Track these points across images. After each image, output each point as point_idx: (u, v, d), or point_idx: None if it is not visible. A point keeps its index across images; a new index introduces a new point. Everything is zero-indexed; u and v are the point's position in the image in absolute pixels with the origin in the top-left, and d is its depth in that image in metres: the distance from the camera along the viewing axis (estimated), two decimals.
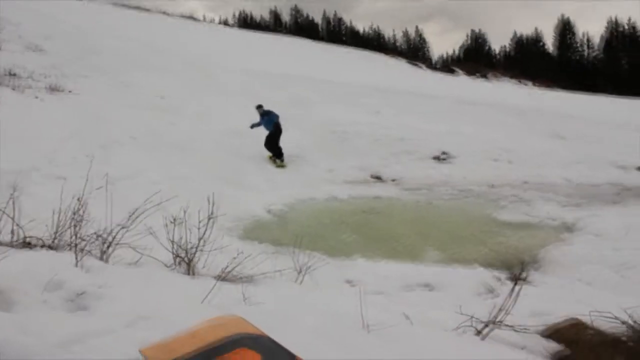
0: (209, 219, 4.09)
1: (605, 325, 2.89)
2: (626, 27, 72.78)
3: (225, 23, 73.46)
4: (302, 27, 76.79)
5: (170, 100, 13.09)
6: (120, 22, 22.57)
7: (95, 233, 3.90)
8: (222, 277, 3.76)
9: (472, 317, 2.98)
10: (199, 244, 4.08)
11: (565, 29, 77.30)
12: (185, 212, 4.10)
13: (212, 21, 68.27)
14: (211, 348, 1.90)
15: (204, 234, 4.09)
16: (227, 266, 3.84)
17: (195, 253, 4.09)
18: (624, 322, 2.65)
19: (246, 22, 78.08)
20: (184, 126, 11.59)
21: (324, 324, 2.58)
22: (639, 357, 2.42)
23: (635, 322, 2.61)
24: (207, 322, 2.12)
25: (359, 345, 2.36)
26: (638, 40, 71.55)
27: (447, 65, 54.17)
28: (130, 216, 4.00)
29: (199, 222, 4.08)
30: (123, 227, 3.90)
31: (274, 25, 79.99)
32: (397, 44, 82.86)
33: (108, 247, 3.93)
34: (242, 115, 12.40)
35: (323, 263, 4.40)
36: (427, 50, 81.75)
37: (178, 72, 16.22)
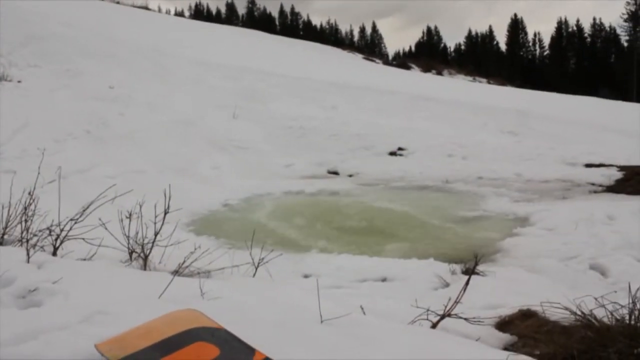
0: (165, 213, 4.04)
1: (556, 315, 2.98)
2: (574, 27, 74.98)
3: (181, 14, 72.52)
4: (258, 20, 76.37)
5: (119, 90, 12.81)
6: (68, 9, 21.92)
7: (47, 228, 3.81)
8: (179, 272, 3.72)
9: (427, 309, 3.03)
10: (155, 239, 4.03)
11: (518, 28, 79.13)
12: (140, 206, 4.04)
13: (167, 12, 67.24)
14: (168, 342, 1.88)
15: (160, 228, 4.03)
16: (184, 261, 3.80)
17: (151, 248, 4.04)
18: (573, 312, 2.74)
19: (202, 14, 77.22)
20: (135, 117, 11.38)
21: (281, 317, 2.59)
22: (588, 344, 2.51)
23: (582, 312, 2.70)
24: (163, 317, 2.10)
25: (315, 336, 2.37)
26: (585, 40, 73.83)
27: (403, 61, 54.67)
28: (83, 210, 3.92)
29: (155, 216, 4.03)
30: (72, 220, 3.81)
31: (230, 17, 79.32)
32: (354, 39, 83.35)
33: (61, 242, 3.84)
34: (194, 106, 12.28)
35: (280, 257, 4.40)
36: (384, 46, 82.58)
37: (129, 62, 15.88)
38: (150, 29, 25.76)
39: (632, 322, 2.52)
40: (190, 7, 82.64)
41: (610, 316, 2.62)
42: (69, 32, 17.31)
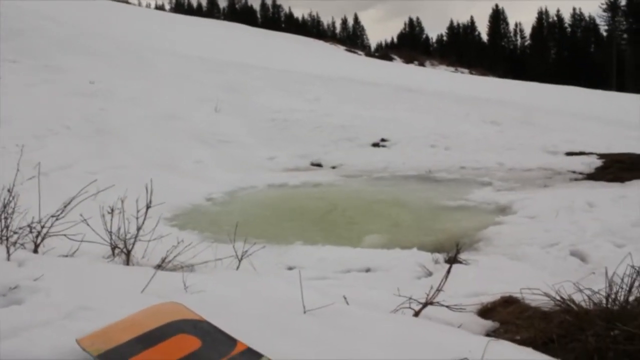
0: (147, 208, 4.03)
1: (537, 301, 3.03)
2: (555, 18, 75.51)
3: (161, 8, 71.95)
4: (240, 13, 75.96)
5: (101, 85, 12.70)
6: (47, 3, 21.62)
7: (28, 225, 3.78)
8: (162, 267, 3.71)
9: (410, 298, 3.06)
10: (137, 234, 4.01)
11: (499, 19, 79.51)
12: (122, 201, 4.02)
13: (147, 6, 66.66)
14: (150, 335, 1.89)
15: (143, 223, 4.02)
16: (167, 255, 3.79)
17: (134, 243, 4.02)
18: (552, 298, 2.79)
19: (183, 8, 76.65)
20: (116, 112, 11.30)
21: (264, 309, 2.60)
22: (567, 328, 2.55)
23: (561, 297, 2.75)
24: (145, 310, 2.10)
25: (298, 327, 2.39)
26: (565, 30, 74.40)
27: (385, 53, 54.72)
28: (65, 206, 3.90)
29: (137, 211, 4.01)
30: (53, 216, 3.79)
31: (211, 10, 78.83)
32: (336, 31, 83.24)
33: (42, 239, 3.81)
34: (177, 100, 12.21)
35: (263, 250, 4.40)
36: (366, 38, 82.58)
37: (109, 56, 15.74)
38: (131, 23, 25.54)
39: (609, 306, 2.57)
40: (170, 0, 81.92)
41: (588, 300, 2.66)
42: (49, 26, 17.11)
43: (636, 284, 2.61)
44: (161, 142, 10.48)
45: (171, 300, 2.43)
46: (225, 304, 2.71)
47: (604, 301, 2.61)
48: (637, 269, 2.62)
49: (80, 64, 13.97)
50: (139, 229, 4.01)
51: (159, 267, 3.64)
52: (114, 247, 4.06)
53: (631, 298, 2.58)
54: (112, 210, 4.11)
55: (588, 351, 2.37)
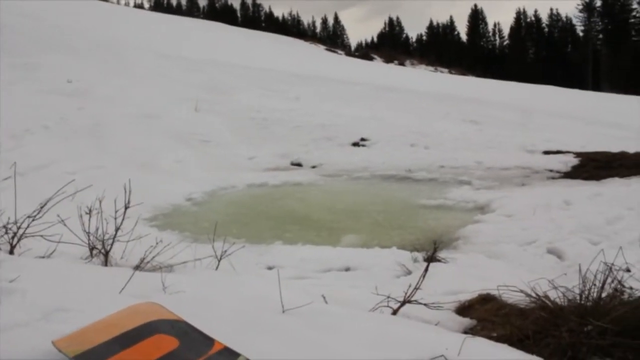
0: (126, 208, 4.00)
1: (514, 298, 3.06)
2: (533, 18, 76.33)
3: (140, 7, 71.37)
4: (220, 12, 75.60)
5: (79, 84, 12.57)
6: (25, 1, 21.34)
7: (3, 226, 3.73)
8: (141, 267, 3.69)
9: (388, 296, 3.08)
10: (116, 234, 3.98)
11: (478, 18, 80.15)
12: (100, 202, 3.99)
13: (126, 4, 66.10)
14: (127, 335, 1.88)
15: (121, 224, 3.99)
16: (146, 256, 3.77)
17: (112, 244, 3.99)
18: (528, 295, 2.83)
19: (162, 6, 76.10)
20: (95, 111, 11.20)
21: (243, 308, 2.60)
22: (542, 324, 2.60)
23: (537, 294, 2.79)
24: (122, 311, 2.09)
25: (276, 326, 2.40)
26: (543, 30, 75.27)
27: (366, 52, 54.86)
28: (41, 207, 3.86)
29: (116, 212, 3.98)
30: (30, 217, 3.75)
31: (191, 9, 78.39)
32: (316, 30, 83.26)
33: (19, 240, 3.77)
34: (156, 99, 12.13)
35: (243, 250, 4.39)
36: (346, 37, 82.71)
37: (87, 54, 15.60)
38: (111, 21, 25.31)
39: (583, 302, 2.62)
40: None
41: (562, 297, 2.71)
42: (28, 23, 16.90)
43: (609, 280, 2.66)
44: (140, 141, 10.41)
45: (149, 300, 2.43)
46: (203, 304, 2.70)
47: (578, 298, 2.65)
48: (609, 265, 2.67)
49: (59, 62, 13.83)
50: (117, 229, 3.98)
51: (137, 267, 3.62)
52: (92, 248, 4.03)
53: (604, 294, 2.63)
54: (90, 210, 4.07)
55: (562, 346, 2.42)
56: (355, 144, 11.86)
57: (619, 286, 2.67)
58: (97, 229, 4.00)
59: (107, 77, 13.77)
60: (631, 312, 2.42)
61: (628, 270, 3.01)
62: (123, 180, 4.24)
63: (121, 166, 8.74)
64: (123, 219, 4.00)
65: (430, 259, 3.69)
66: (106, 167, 8.64)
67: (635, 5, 67.07)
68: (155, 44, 20.19)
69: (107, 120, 10.87)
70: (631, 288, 2.73)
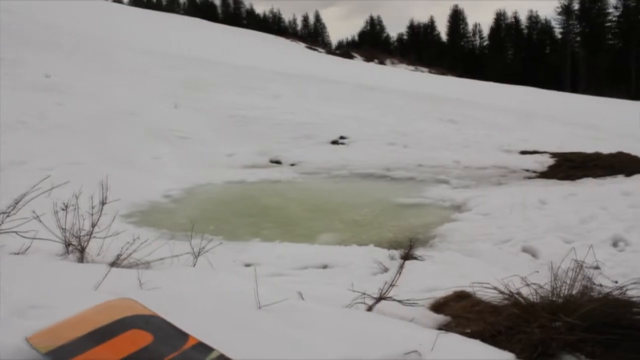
0: (103, 204, 3.98)
1: (488, 295, 3.11)
2: (512, 19, 77.11)
3: (119, 1, 70.65)
4: (200, 8, 75.15)
5: (57, 79, 12.43)
6: None
7: None
8: (117, 264, 3.68)
9: (363, 293, 3.11)
10: (92, 231, 3.96)
11: (458, 19, 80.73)
12: (77, 198, 3.96)
13: None
14: (101, 331, 1.88)
15: (98, 220, 3.97)
16: (122, 252, 3.76)
17: (88, 240, 3.97)
18: (501, 292, 2.88)
19: (141, 2, 75.39)
20: (73, 107, 11.09)
21: (219, 304, 2.61)
22: (514, 320, 2.65)
23: (510, 291, 2.84)
24: (97, 307, 2.09)
25: (252, 322, 2.41)
26: (522, 32, 76.09)
27: (346, 51, 54.97)
28: (16, 203, 3.82)
29: (92, 208, 3.96)
30: (4, 213, 3.71)
31: (171, 5, 77.82)
32: (297, 28, 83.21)
33: None
34: (136, 95, 12.05)
35: (221, 247, 4.39)
36: (327, 35, 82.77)
37: (67, 50, 15.43)
38: (90, 16, 25.06)
39: (553, 299, 2.67)
40: None
41: (534, 294, 2.76)
42: (4, 18, 16.65)
43: (579, 277, 2.72)
44: (119, 137, 10.33)
45: (125, 297, 2.42)
46: (180, 300, 2.71)
47: (549, 294, 2.71)
48: (579, 263, 2.73)
49: (37, 57, 13.67)
50: (93, 225, 3.96)
51: (113, 264, 3.61)
52: (67, 245, 3.99)
53: (574, 291, 2.69)
54: (67, 206, 4.04)
55: (533, 342, 2.46)
56: (335, 142, 11.89)
57: (588, 283, 2.73)
58: (73, 225, 3.97)
59: (87, 73, 13.65)
60: (599, 308, 2.47)
61: (597, 268, 3.07)
62: (100, 177, 4.22)
63: (99, 162, 8.67)
64: (100, 216, 3.98)
65: (406, 256, 3.73)
66: (84, 163, 8.55)
67: (611, 10, 68.23)
68: (135, 39, 20.02)
69: (85, 116, 10.76)
70: (600, 285, 2.79)
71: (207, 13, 68.53)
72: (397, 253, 5.13)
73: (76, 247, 3.97)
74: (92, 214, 3.96)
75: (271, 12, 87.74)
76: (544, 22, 75.55)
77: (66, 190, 4.27)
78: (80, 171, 7.70)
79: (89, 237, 3.95)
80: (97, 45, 17.08)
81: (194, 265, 4.10)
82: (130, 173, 8.70)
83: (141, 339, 1.89)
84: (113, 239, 4.03)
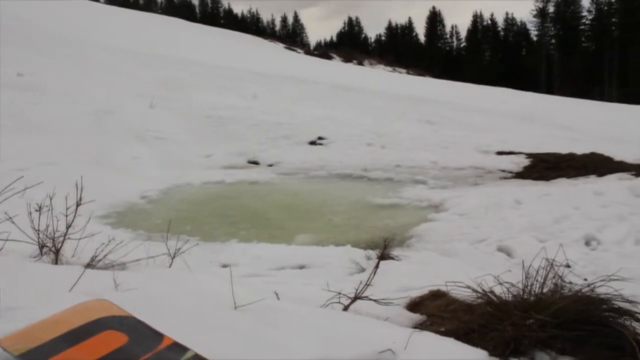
0: (77, 205, 3.94)
1: (463, 294, 3.15)
2: (489, 21, 77.95)
3: (96, 0, 69.89)
4: (178, 8, 74.67)
5: (31, 78, 12.27)
6: None
7: None
8: (92, 265, 3.65)
9: (339, 293, 3.13)
10: (67, 232, 3.92)
11: (436, 20, 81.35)
12: (51, 199, 3.92)
13: None
14: (75, 332, 1.87)
15: (72, 221, 3.93)
16: (98, 254, 3.73)
17: (63, 242, 3.93)
18: (475, 290, 2.92)
19: (118, 0, 74.62)
20: (48, 106, 10.96)
21: (195, 305, 2.61)
22: (487, 319, 2.69)
23: (483, 289, 2.88)
24: (72, 308, 2.08)
25: (228, 322, 2.41)
26: (499, 34, 76.94)
27: (325, 52, 55.03)
28: None
29: (67, 209, 3.92)
30: None
31: (148, 4, 77.23)
32: (276, 28, 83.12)
33: None
34: (112, 95, 11.94)
35: (198, 248, 4.38)
36: (305, 36, 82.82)
37: (42, 48, 15.22)
38: (67, 15, 24.75)
39: (525, 297, 2.72)
40: None
41: (507, 292, 2.80)
42: None
43: (550, 276, 2.77)
44: (94, 137, 10.23)
45: (100, 298, 2.41)
46: (155, 301, 2.70)
47: (521, 293, 2.75)
48: (550, 262, 2.78)
49: (11, 55, 13.46)
50: (68, 226, 3.92)
51: (88, 265, 3.58)
52: (41, 246, 3.95)
53: (545, 289, 2.74)
54: (40, 207, 4.00)
55: (505, 339, 2.50)
56: (313, 143, 11.91)
57: (559, 281, 2.78)
58: (47, 227, 3.93)
59: (62, 72, 13.50)
60: (570, 306, 2.52)
61: (568, 266, 3.13)
62: (75, 177, 4.18)
63: (74, 163, 8.58)
64: (75, 217, 3.94)
65: (381, 256, 3.75)
66: (58, 163, 8.46)
67: (584, 13, 69.39)
68: (112, 39, 19.84)
69: (60, 115, 10.65)
70: (570, 282, 2.85)
71: (185, 12, 68.13)
72: (373, 253, 5.16)
73: (50, 249, 3.93)
74: (66, 215, 3.92)
75: (249, 12, 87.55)
76: (519, 24, 76.51)
77: (40, 190, 4.23)
78: (55, 171, 7.62)
79: (63, 238, 3.91)
80: (72, 44, 16.90)
81: (170, 266, 4.09)
82: (107, 173, 8.64)
83: (116, 339, 1.88)
84: (88, 240, 4.00)
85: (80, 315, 2.02)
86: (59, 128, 10.09)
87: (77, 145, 9.60)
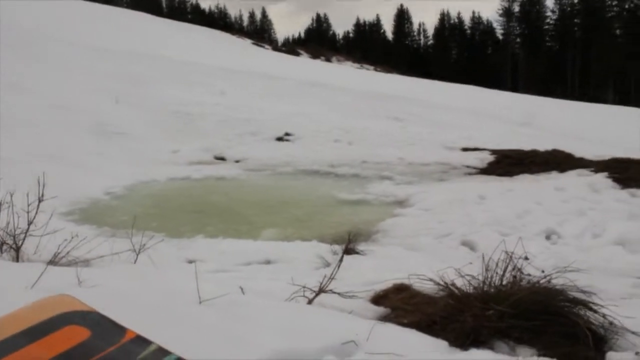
0: (39, 201, 3.89)
1: (425, 287, 3.21)
2: (456, 20, 78.82)
3: None
4: (143, 2, 73.53)
5: None
6: None
7: None
8: (55, 262, 3.61)
9: (304, 286, 3.16)
10: (28, 229, 3.86)
11: (403, 18, 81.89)
12: (12, 195, 3.87)
13: None
14: (36, 328, 1.85)
15: (34, 218, 3.88)
16: (60, 250, 3.69)
17: (24, 239, 3.87)
18: (437, 283, 2.98)
19: None
20: (5, 100, 10.69)
21: (159, 300, 2.61)
22: (449, 310, 2.75)
23: (445, 282, 2.94)
24: (32, 304, 2.05)
25: (193, 316, 2.42)
26: (465, 32, 77.89)
27: (292, 47, 54.95)
28: None
29: (28, 205, 3.86)
30: None
31: None
32: (244, 24, 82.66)
33: None
34: (71, 90, 11.74)
35: (164, 243, 4.36)
36: (273, 32, 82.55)
37: (3, 44, 14.86)
38: (25, 8, 24.21)
39: (486, 289, 2.78)
40: None
41: (468, 285, 2.87)
42: None
43: (509, 268, 2.84)
44: (56, 133, 10.05)
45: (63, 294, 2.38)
46: (120, 297, 2.69)
47: (482, 285, 2.82)
48: (509, 254, 2.86)
49: None
50: (29, 223, 3.87)
51: (51, 262, 3.54)
52: (1, 243, 3.89)
53: (505, 281, 2.81)
54: (0, 204, 3.94)
55: (466, 330, 2.57)
56: (280, 139, 11.90)
57: (518, 273, 2.86)
58: (7, 224, 3.87)
59: (20, 66, 13.21)
60: (527, 297, 2.60)
61: (526, 259, 3.22)
62: (36, 174, 4.12)
63: (34, 159, 8.42)
64: (36, 213, 3.89)
65: (346, 250, 3.79)
66: (17, 160, 8.26)
67: (549, 13, 70.77)
68: (74, 33, 19.47)
69: (17, 110, 10.41)
70: (529, 275, 2.93)
71: (152, 6, 67.24)
72: (339, 248, 5.19)
73: (11, 246, 3.88)
74: (27, 212, 3.87)
75: (217, 7, 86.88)
76: (486, 23, 77.56)
77: None
78: (13, 168, 7.46)
79: (24, 235, 3.86)
80: (27, 37, 16.53)
81: (135, 262, 4.07)
82: (70, 170, 8.49)
83: (78, 334, 1.86)
84: (51, 237, 3.95)
85: (41, 311, 1.99)
86: (15, 123, 9.86)
87: (36, 141, 9.40)
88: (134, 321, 2.22)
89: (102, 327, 1.94)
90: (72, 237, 3.79)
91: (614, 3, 64.88)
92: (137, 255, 4.05)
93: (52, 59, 14.87)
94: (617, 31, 64.04)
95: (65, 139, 9.93)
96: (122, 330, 1.94)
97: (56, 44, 16.72)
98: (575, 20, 66.93)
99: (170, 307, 2.55)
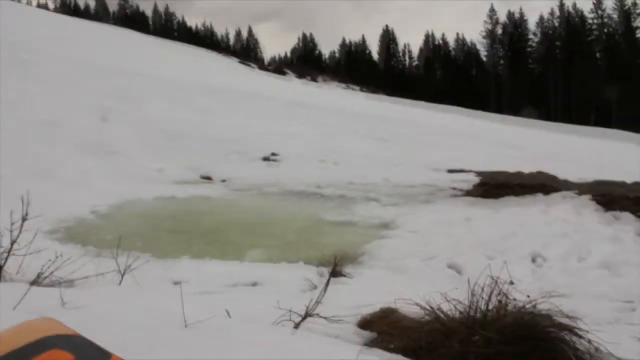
0: (23, 220, 3.85)
1: (411, 311, 3.21)
2: (440, 41, 79.77)
3: (45, 7, 68.49)
4: (131, 19, 73.68)
5: None
6: None
7: None
8: (38, 282, 3.56)
9: (290, 310, 3.14)
10: (11, 248, 3.82)
11: (389, 39, 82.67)
12: None
13: (28, 3, 63.19)
14: (19, 352, 1.81)
15: (17, 237, 3.83)
16: (44, 270, 3.64)
17: (6, 258, 3.82)
18: (423, 308, 2.98)
19: (69, 8, 73.30)
20: None
21: (144, 323, 2.58)
22: (435, 335, 2.75)
23: (431, 307, 2.94)
24: (15, 327, 2.01)
25: (178, 340, 2.40)
26: (450, 54, 78.81)
27: (279, 67, 55.23)
28: None
29: (12, 224, 3.82)
30: None
31: (100, 13, 75.96)
32: (230, 42, 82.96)
33: None
34: (59, 106, 11.68)
35: (149, 264, 4.32)
36: (260, 51, 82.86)
37: None
38: (9, 21, 24.12)
39: (472, 314, 2.79)
40: None
41: (454, 309, 2.87)
42: None
43: (495, 292, 2.85)
44: (41, 150, 9.96)
45: (46, 316, 2.36)
46: (104, 319, 2.66)
47: (468, 310, 2.83)
48: (495, 279, 2.87)
49: None
50: (13, 242, 3.82)
51: (34, 282, 3.50)
52: None
53: (490, 306, 2.82)
54: None
55: (452, 356, 2.57)
56: (266, 159, 11.89)
57: (504, 298, 2.87)
58: None
59: (5, 81, 13.08)
60: (513, 322, 2.61)
61: (512, 283, 3.23)
62: (21, 191, 4.08)
63: (19, 176, 8.33)
64: (20, 232, 3.84)
65: (332, 273, 3.79)
66: (1, 175, 8.20)
67: (531, 36, 71.98)
68: (61, 49, 19.43)
69: (3, 126, 10.31)
70: (515, 299, 2.94)
71: (138, 23, 67.35)
72: (326, 270, 5.18)
73: None
74: (11, 231, 3.82)
75: (203, 25, 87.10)
76: (470, 44, 78.53)
77: None
78: None
79: (7, 254, 3.81)
80: (15, 51, 16.45)
81: (120, 283, 4.03)
82: (54, 187, 8.41)
83: (61, 359, 1.84)
84: (34, 256, 3.91)
85: (23, 335, 1.95)
86: (0, 139, 9.78)
87: (22, 157, 9.32)
88: (119, 345, 2.19)
89: (86, 351, 1.91)
90: (57, 257, 3.75)
91: (593, 27, 66.23)
92: (122, 276, 4.01)
93: (41, 74, 14.80)
94: (597, 54, 65.30)
95: (52, 156, 9.85)
96: (106, 355, 1.92)
97: (42, 57, 16.67)
98: (557, 43, 68.07)
99: (155, 331, 2.53)
